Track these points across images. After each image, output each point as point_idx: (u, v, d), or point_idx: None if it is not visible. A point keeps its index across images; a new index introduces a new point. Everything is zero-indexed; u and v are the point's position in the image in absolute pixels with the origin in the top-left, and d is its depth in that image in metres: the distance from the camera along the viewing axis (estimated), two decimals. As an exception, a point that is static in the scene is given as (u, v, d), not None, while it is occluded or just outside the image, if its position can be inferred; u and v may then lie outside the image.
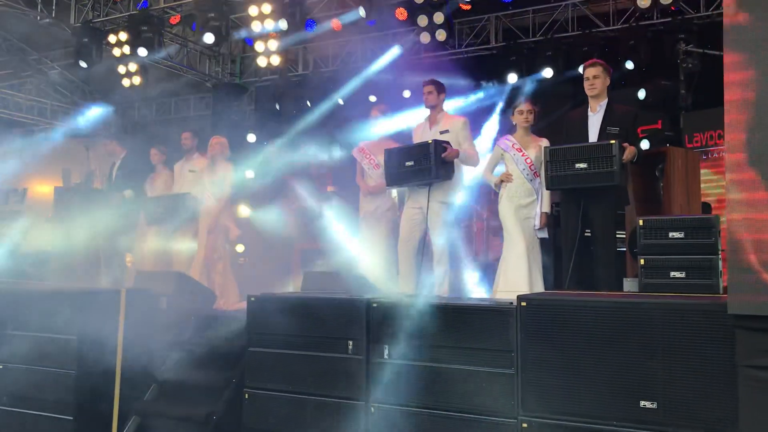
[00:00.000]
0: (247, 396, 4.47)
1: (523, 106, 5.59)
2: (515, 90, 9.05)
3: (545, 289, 5.34)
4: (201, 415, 4.69)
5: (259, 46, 9.83)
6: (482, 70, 9.59)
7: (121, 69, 10.07)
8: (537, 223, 5.41)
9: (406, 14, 8.66)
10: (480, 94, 9.46)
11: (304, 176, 8.81)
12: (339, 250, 6.64)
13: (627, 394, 3.34)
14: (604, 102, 5.19)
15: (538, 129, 5.69)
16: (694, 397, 3.20)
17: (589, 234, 5.09)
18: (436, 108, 5.84)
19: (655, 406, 3.28)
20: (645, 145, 7.34)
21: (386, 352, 4.03)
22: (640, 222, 4.09)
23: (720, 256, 3.87)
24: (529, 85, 8.95)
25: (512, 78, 9.26)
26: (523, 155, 5.47)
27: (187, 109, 12.87)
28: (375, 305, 4.12)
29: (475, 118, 7.44)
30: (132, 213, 7.34)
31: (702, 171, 6.82)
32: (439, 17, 8.54)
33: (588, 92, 5.22)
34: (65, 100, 12.90)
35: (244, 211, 8.71)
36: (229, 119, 10.84)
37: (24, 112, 12.82)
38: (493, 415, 3.68)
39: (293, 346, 4.34)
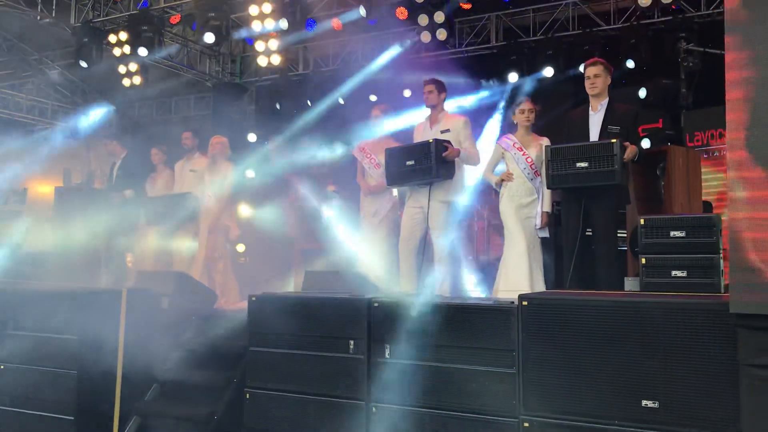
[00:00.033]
0: (248, 396, 4.47)
1: (524, 105, 5.58)
2: (516, 89, 9.05)
3: (546, 288, 5.33)
4: (202, 415, 4.69)
5: (259, 45, 9.82)
6: (483, 69, 9.57)
7: (122, 69, 10.06)
8: (538, 222, 5.41)
9: (406, 13, 8.65)
10: (481, 94, 9.45)
11: (304, 176, 8.81)
12: (340, 250, 6.64)
13: (628, 394, 3.34)
14: (605, 101, 5.19)
15: (538, 128, 5.69)
16: (696, 397, 3.20)
17: (590, 233, 5.08)
18: (436, 107, 5.84)
19: (656, 405, 3.27)
20: (646, 144, 7.34)
21: (387, 351, 4.03)
22: (641, 221, 4.08)
23: (721, 255, 3.87)
24: (529, 84, 8.95)
25: (513, 77, 9.25)
26: (523, 154, 5.46)
27: (188, 109, 12.87)
28: (376, 305, 4.12)
29: (476, 118, 7.43)
30: (132, 213, 7.34)
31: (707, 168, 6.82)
32: (439, 16, 8.53)
33: (589, 91, 5.22)
34: (65, 100, 12.89)
35: (244, 210, 8.71)
36: (230, 119, 10.83)
37: (24, 112, 12.82)
38: (494, 415, 3.68)
39: (294, 346, 4.34)
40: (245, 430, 4.48)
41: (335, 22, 9.33)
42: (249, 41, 10.41)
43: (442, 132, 5.68)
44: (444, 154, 5.37)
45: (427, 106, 5.89)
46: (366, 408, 4.05)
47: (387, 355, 4.03)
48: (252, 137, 10.90)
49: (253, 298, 4.59)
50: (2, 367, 5.09)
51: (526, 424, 3.58)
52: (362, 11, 8.55)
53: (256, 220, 8.46)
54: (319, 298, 4.44)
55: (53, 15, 9.76)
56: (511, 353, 3.66)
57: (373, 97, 9.47)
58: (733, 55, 3.00)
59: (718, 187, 7.99)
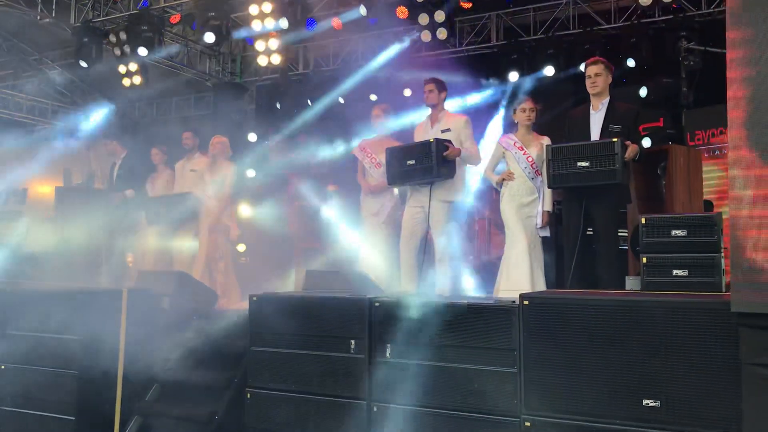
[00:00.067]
0: (249, 396, 4.47)
1: (525, 104, 5.58)
2: (516, 88, 9.04)
3: (547, 287, 5.33)
4: (203, 415, 4.69)
5: (259, 45, 9.81)
6: (483, 68, 9.57)
7: (122, 69, 10.06)
8: (539, 221, 5.40)
9: (407, 12, 8.64)
10: (481, 93, 9.45)
11: (305, 175, 8.81)
12: (340, 249, 6.64)
13: (630, 393, 3.34)
14: (606, 100, 5.19)
15: (538, 127, 5.68)
16: (698, 396, 3.19)
17: (591, 232, 5.08)
18: (437, 107, 5.83)
19: (658, 404, 3.27)
20: (647, 143, 7.34)
21: (388, 351, 4.03)
22: (643, 220, 4.07)
23: (722, 254, 3.86)
24: (530, 84, 8.95)
25: (513, 76, 9.24)
26: (524, 153, 5.45)
27: (188, 109, 12.86)
28: (377, 304, 4.11)
29: (477, 117, 7.42)
30: (133, 213, 7.33)
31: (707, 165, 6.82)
32: (440, 15, 8.52)
33: (590, 90, 5.21)
34: (65, 100, 12.89)
35: (245, 210, 8.71)
36: (230, 118, 10.81)
37: (24, 112, 12.82)
38: (495, 414, 3.68)
39: (295, 346, 4.33)
40: (246, 430, 4.47)
41: (335, 22, 9.33)
42: (249, 41, 10.39)
43: (442, 131, 5.67)
44: (445, 154, 5.36)
45: (428, 106, 5.88)
46: (367, 408, 4.05)
47: (388, 355, 4.03)
48: (252, 137, 10.90)
49: (254, 298, 4.59)
50: (3, 367, 5.09)
51: (528, 424, 3.57)
52: (363, 10, 8.55)
53: (257, 220, 8.46)
54: (319, 298, 4.44)
55: (53, 15, 9.76)
56: (513, 352, 3.65)
57: (373, 97, 9.46)
58: (735, 53, 2.99)
59: (714, 186, 7.98)
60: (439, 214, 5.56)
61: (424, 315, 3.92)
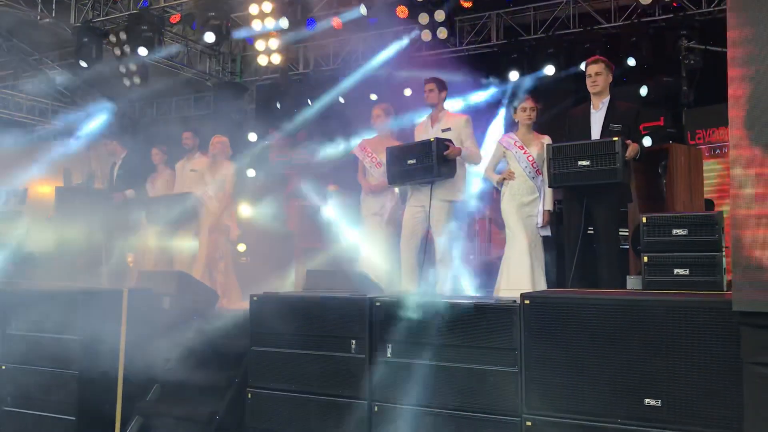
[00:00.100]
0: (249, 395, 4.46)
1: (525, 103, 5.57)
2: (517, 87, 9.04)
3: (548, 287, 5.33)
4: (204, 415, 4.69)
5: (259, 44, 9.81)
6: (483, 67, 9.57)
7: (122, 68, 10.05)
8: (539, 220, 5.40)
9: (407, 12, 8.64)
10: (482, 92, 9.44)
11: (305, 175, 8.80)
12: (341, 249, 6.64)
13: (631, 392, 3.33)
14: (606, 99, 5.18)
15: (539, 126, 5.68)
16: (699, 395, 3.19)
17: (591, 231, 5.08)
18: (437, 106, 5.83)
19: (659, 403, 3.26)
20: (647, 142, 7.34)
21: (389, 350, 4.02)
22: (643, 219, 4.07)
23: (724, 253, 3.86)
24: (530, 83, 8.94)
25: (514, 75, 9.25)
26: (525, 153, 5.45)
27: (188, 109, 12.86)
28: (378, 304, 4.11)
29: (478, 117, 7.42)
30: (133, 213, 7.33)
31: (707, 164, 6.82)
32: (440, 15, 8.53)
33: (590, 89, 5.21)
34: (65, 100, 12.89)
35: (245, 210, 8.71)
36: (230, 118, 10.82)
37: (24, 112, 12.81)
38: (496, 414, 3.67)
39: (296, 346, 4.33)
40: (247, 430, 4.47)
41: (335, 21, 9.33)
42: (249, 40, 10.40)
43: (443, 131, 5.67)
44: (445, 153, 5.36)
45: (428, 105, 5.88)
46: (368, 407, 4.04)
47: (389, 355, 4.02)
48: (252, 137, 10.90)
49: (255, 298, 4.58)
50: (4, 367, 5.09)
51: (529, 423, 3.57)
52: (363, 10, 8.55)
53: (257, 220, 8.46)
54: (320, 298, 4.43)
55: (53, 15, 9.75)
56: (514, 352, 3.65)
57: (373, 96, 9.46)
58: (736, 52, 2.99)
59: (714, 185, 7.99)
60: (439, 214, 5.56)
61: (424, 315, 3.92)
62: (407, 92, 9.48)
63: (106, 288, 6.13)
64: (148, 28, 9.37)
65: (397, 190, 6.28)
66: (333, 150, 9.23)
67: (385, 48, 9.67)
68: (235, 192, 7.22)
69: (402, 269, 5.74)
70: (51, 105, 12.96)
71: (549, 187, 5.24)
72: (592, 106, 5.21)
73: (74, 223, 6.83)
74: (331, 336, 4.21)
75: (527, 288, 4.99)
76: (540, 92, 8.17)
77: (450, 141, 5.47)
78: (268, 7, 8.82)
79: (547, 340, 3.55)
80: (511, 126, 6.55)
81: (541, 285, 5.27)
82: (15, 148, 11.09)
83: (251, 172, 9.75)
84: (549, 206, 5.42)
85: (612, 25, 8.96)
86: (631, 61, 8.55)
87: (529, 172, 5.43)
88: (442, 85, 5.83)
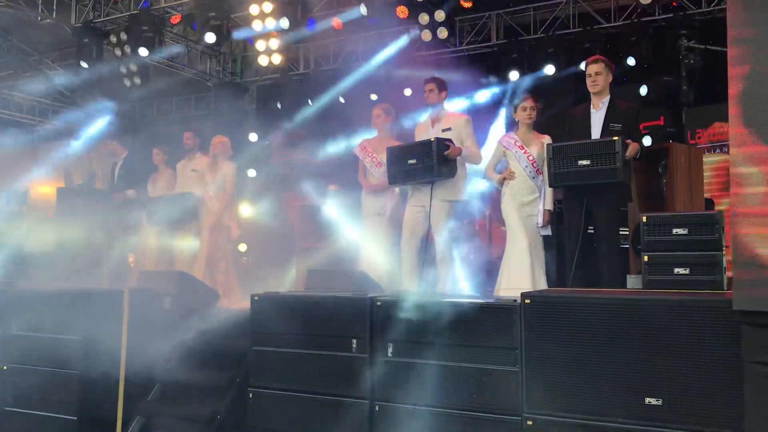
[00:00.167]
0: (251, 395, 4.47)
1: (525, 102, 5.57)
2: (517, 87, 9.05)
3: (548, 286, 5.33)
4: (205, 415, 4.69)
5: (260, 44, 9.82)
6: (484, 67, 9.58)
7: (122, 69, 10.06)
8: (540, 220, 5.40)
9: (407, 12, 8.65)
10: (482, 92, 9.45)
11: (306, 175, 8.80)
12: (341, 248, 6.64)
13: (632, 391, 3.33)
14: (606, 98, 5.19)
15: (539, 125, 5.68)
16: (699, 394, 3.19)
17: (592, 231, 5.08)
18: (437, 106, 5.83)
19: (660, 402, 3.27)
20: (647, 141, 7.34)
21: (390, 350, 4.03)
22: (644, 219, 4.07)
23: (724, 252, 3.86)
24: (530, 82, 8.95)
25: (514, 75, 9.26)
26: (525, 152, 5.45)
27: (188, 109, 12.87)
28: (379, 303, 4.11)
29: (478, 116, 7.43)
30: (134, 213, 7.33)
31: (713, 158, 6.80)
32: (440, 15, 8.54)
33: (590, 89, 5.22)
34: (65, 100, 12.89)
35: (246, 210, 8.71)
36: (231, 118, 10.83)
37: (24, 112, 12.83)
38: (497, 413, 3.67)
39: (297, 345, 4.33)
40: (248, 430, 4.48)
41: (336, 21, 9.33)
42: (249, 41, 10.41)
43: (443, 130, 5.67)
44: (445, 153, 5.37)
45: (428, 105, 5.88)
46: (369, 407, 4.04)
47: (390, 354, 4.02)
48: (253, 137, 10.91)
49: (256, 298, 4.58)
50: (5, 367, 5.09)
51: (530, 422, 3.57)
52: (363, 10, 8.55)
53: (258, 220, 8.46)
54: (321, 297, 4.43)
55: (53, 15, 9.76)
56: (514, 351, 3.65)
57: (373, 96, 9.46)
58: (736, 51, 2.99)
59: (714, 185, 7.99)
60: (439, 214, 5.57)
61: (425, 314, 3.92)
62: (407, 92, 9.48)
63: (107, 288, 6.13)
64: (148, 29, 9.39)
65: (397, 189, 6.28)
66: (333, 150, 9.23)
67: (385, 48, 9.67)
68: (236, 192, 7.22)
69: (402, 269, 5.74)
70: (51, 105, 12.97)
71: (549, 186, 5.24)
72: (592, 106, 5.22)
73: (75, 224, 6.83)
74: (332, 335, 4.21)
75: (527, 287, 4.99)
76: (540, 92, 8.14)
77: (450, 141, 5.47)
78: (268, 7, 8.83)
79: (548, 339, 3.56)
80: (512, 126, 6.56)
81: (542, 284, 5.27)
82: (15, 148, 11.10)
83: (252, 172, 9.76)
84: (549, 206, 5.42)
85: (612, 24, 8.97)
86: (631, 61, 8.56)
87: (530, 172, 5.43)
88: (442, 85, 5.84)
